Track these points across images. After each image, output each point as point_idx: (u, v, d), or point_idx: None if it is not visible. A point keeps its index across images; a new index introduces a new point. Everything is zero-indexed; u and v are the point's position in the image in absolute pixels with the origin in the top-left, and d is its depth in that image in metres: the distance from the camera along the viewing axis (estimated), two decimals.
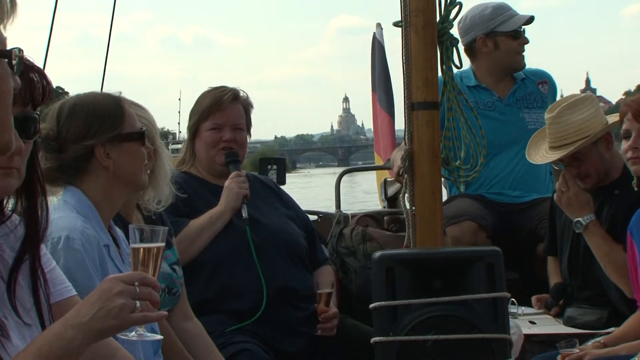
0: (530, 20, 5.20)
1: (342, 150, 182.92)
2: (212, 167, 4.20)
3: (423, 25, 3.68)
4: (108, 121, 2.80)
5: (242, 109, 4.23)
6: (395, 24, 3.75)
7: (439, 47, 3.78)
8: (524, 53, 5.22)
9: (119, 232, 2.89)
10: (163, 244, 2.21)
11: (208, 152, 4.17)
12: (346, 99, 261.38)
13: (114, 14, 5.10)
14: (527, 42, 5.20)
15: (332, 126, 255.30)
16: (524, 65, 5.24)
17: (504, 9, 5.21)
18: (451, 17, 3.82)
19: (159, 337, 2.27)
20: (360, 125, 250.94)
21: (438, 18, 3.76)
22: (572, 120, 4.16)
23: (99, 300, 1.92)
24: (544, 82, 5.28)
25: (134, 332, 2.09)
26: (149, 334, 2.15)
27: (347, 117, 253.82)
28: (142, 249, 2.17)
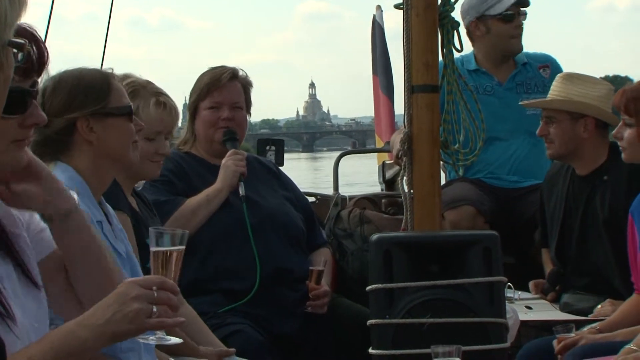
0: (521, 2, 5.13)
1: (306, 136, 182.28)
2: (210, 146, 4.19)
3: (424, 7, 3.67)
4: (92, 95, 2.78)
5: (240, 88, 4.21)
6: (397, 6, 3.74)
7: (439, 30, 3.77)
8: (521, 36, 5.16)
9: (109, 208, 2.88)
10: (183, 247, 2.18)
11: (207, 131, 4.16)
12: (312, 85, 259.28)
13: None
14: (520, 24, 5.13)
15: (297, 112, 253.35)
16: (520, 48, 5.18)
17: None
18: (452, 0, 3.81)
19: (179, 340, 2.20)
20: (326, 112, 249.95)
21: (439, 1, 3.75)
22: (571, 87, 4.24)
23: (115, 304, 1.89)
24: (545, 66, 5.24)
25: (153, 336, 2.07)
26: (168, 338, 2.11)
27: (313, 102, 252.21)
28: (161, 252, 2.14)
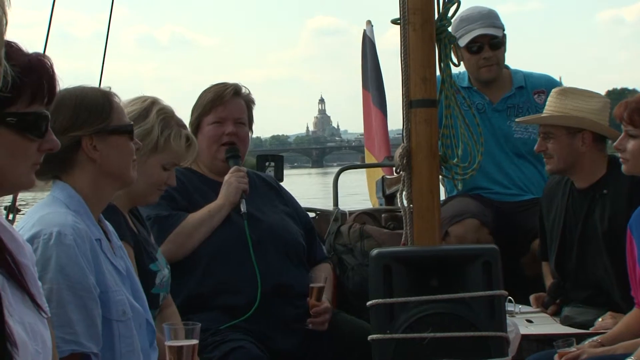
0: (486, 35, 5.08)
1: (316, 151, 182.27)
2: (213, 163, 4.21)
3: (421, 22, 3.68)
4: (96, 113, 2.79)
5: (243, 104, 4.24)
6: (394, 21, 3.76)
7: (437, 44, 3.78)
8: (492, 66, 5.10)
9: (108, 225, 2.89)
10: (197, 341, 2.39)
11: (210, 147, 4.18)
12: (322, 100, 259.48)
13: (111, 14, 5.07)
14: (489, 56, 5.09)
15: (307, 127, 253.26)
16: (490, 78, 5.14)
17: (467, 22, 5.09)
18: (449, 15, 3.82)
19: None
20: (336, 127, 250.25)
21: (436, 16, 3.76)
22: (567, 102, 4.25)
23: None
24: (541, 92, 5.17)
25: None
26: None
27: (323, 118, 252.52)
28: (177, 347, 2.37)
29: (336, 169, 6.23)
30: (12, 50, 1.85)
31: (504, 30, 5.20)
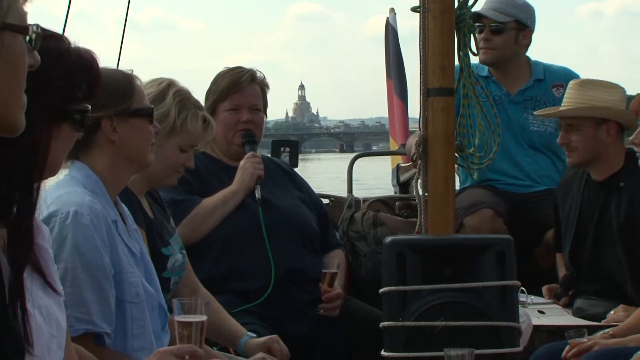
0: (482, 15, 5.03)
1: (294, 137, 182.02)
2: (229, 148, 4.21)
3: (441, 11, 3.67)
4: (117, 95, 2.79)
5: (259, 90, 4.24)
6: (413, 9, 3.75)
7: (456, 33, 3.77)
8: (488, 49, 5.03)
9: (124, 208, 2.89)
10: (206, 318, 2.37)
11: (226, 133, 4.18)
12: (302, 87, 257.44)
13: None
14: (487, 38, 5.02)
15: (287, 113, 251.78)
16: (485, 61, 5.09)
17: (485, 1, 5.07)
18: (469, 3, 3.82)
19: None
20: (315, 113, 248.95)
21: (456, 4, 3.75)
22: (590, 93, 4.23)
23: None
24: (560, 85, 5.11)
25: None
26: None
27: (302, 104, 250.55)
28: (185, 322, 2.36)
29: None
30: (68, 46, 1.87)
31: (520, 21, 5.10)
